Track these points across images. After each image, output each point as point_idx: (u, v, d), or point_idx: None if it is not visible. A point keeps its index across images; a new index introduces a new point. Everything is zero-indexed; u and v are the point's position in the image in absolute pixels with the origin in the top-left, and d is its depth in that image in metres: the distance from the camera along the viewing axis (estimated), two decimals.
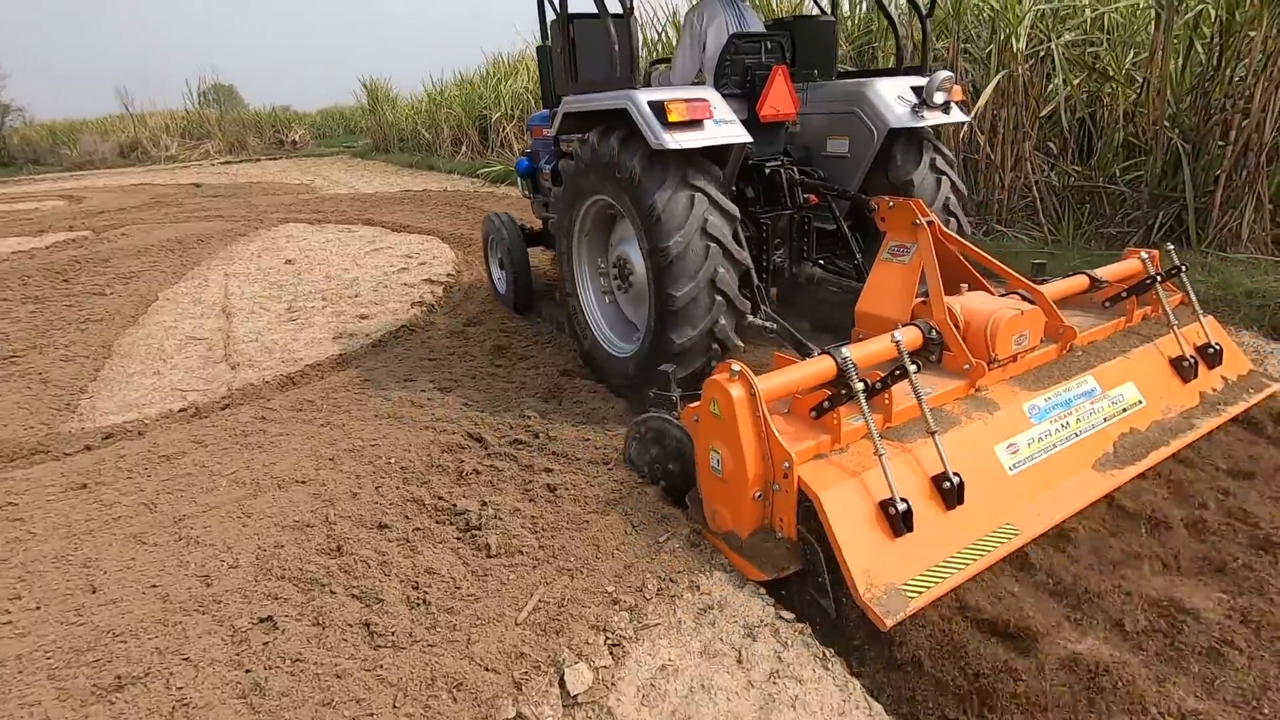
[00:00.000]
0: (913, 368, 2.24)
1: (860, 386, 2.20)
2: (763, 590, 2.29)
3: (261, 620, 2.24)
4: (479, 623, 2.15)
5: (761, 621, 2.17)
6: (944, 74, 3.65)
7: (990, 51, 6.33)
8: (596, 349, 3.91)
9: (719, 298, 3.17)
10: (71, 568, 2.59)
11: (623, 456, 2.91)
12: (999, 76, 5.89)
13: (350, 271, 7.41)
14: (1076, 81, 6.10)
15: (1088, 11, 6.20)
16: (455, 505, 2.80)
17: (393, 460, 3.23)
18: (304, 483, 3.09)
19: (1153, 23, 6.05)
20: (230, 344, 5.27)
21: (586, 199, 3.70)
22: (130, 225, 10.98)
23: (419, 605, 2.26)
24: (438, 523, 2.74)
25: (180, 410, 4.13)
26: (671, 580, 2.31)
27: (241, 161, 23.37)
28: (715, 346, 3.26)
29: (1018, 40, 5.83)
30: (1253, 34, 5.03)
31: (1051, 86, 6.20)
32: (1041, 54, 6.05)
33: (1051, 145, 6.58)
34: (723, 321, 3.20)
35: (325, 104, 32.31)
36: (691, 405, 2.42)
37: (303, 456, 3.33)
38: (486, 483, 2.98)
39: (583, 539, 2.47)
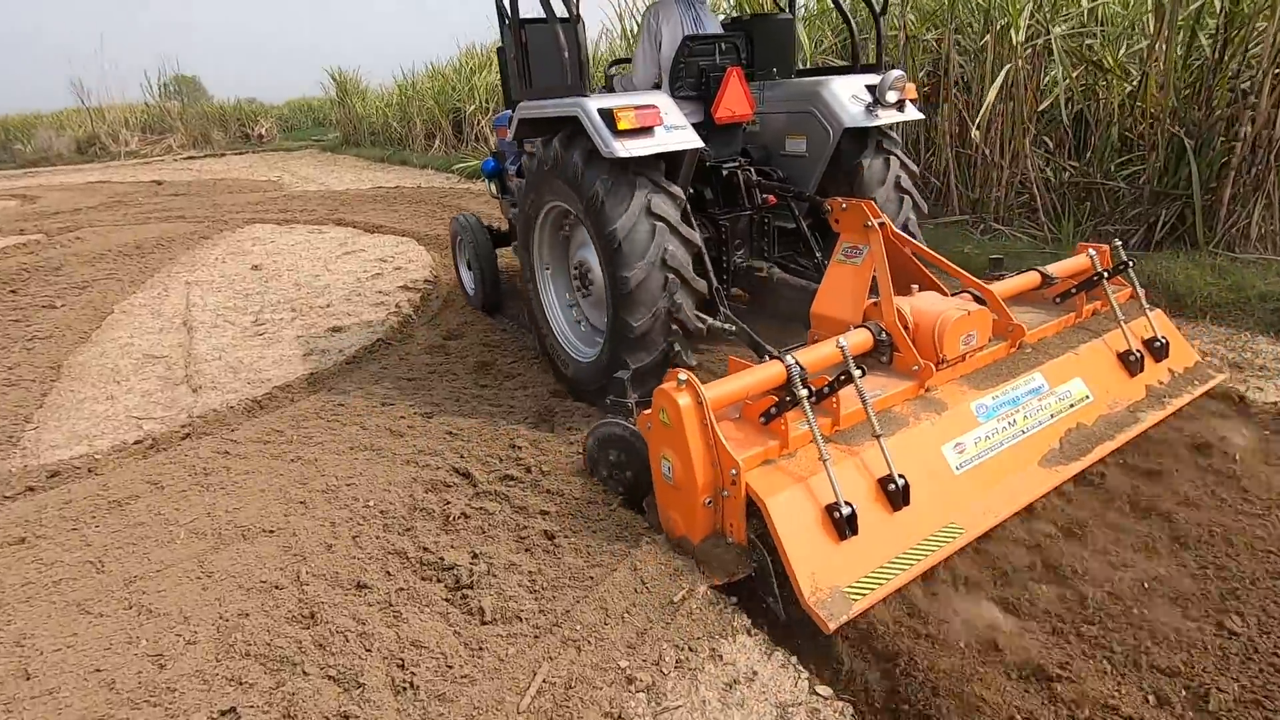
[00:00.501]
0: (858, 372, 2.28)
1: (805, 393, 2.22)
2: (794, 659, 2.05)
3: (223, 714, 1.95)
4: (476, 712, 1.88)
5: (796, 699, 1.93)
6: (896, 73, 3.64)
7: (986, 43, 6.12)
8: (580, 370, 3.72)
9: (675, 326, 3.20)
10: (2, 647, 2.27)
11: (586, 464, 2.89)
12: (1005, 70, 5.68)
13: (321, 278, 7.04)
14: (1075, 74, 5.91)
15: (1084, 2, 6.01)
16: (443, 559, 2.52)
17: (371, 503, 2.93)
18: (272, 533, 2.79)
19: (1150, 14, 5.90)
20: (191, 363, 4.91)
21: (544, 206, 3.67)
22: (86, 228, 10.44)
23: (405, 689, 1.98)
24: (424, 579, 2.45)
25: (135, 442, 3.78)
26: (691, 649, 2.06)
27: (205, 157, 22.56)
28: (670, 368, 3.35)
29: (1017, 31, 5.61)
30: (1261, 25, 4.87)
31: (1048, 79, 6.02)
32: (1038, 45, 5.85)
33: (1046, 140, 6.41)
34: (678, 347, 3.25)
35: (292, 95, 31.40)
36: (645, 412, 2.40)
37: (271, 499, 3.03)
38: (477, 529, 2.70)
39: (589, 601, 2.21)
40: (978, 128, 6.00)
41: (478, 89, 16.07)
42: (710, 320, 3.32)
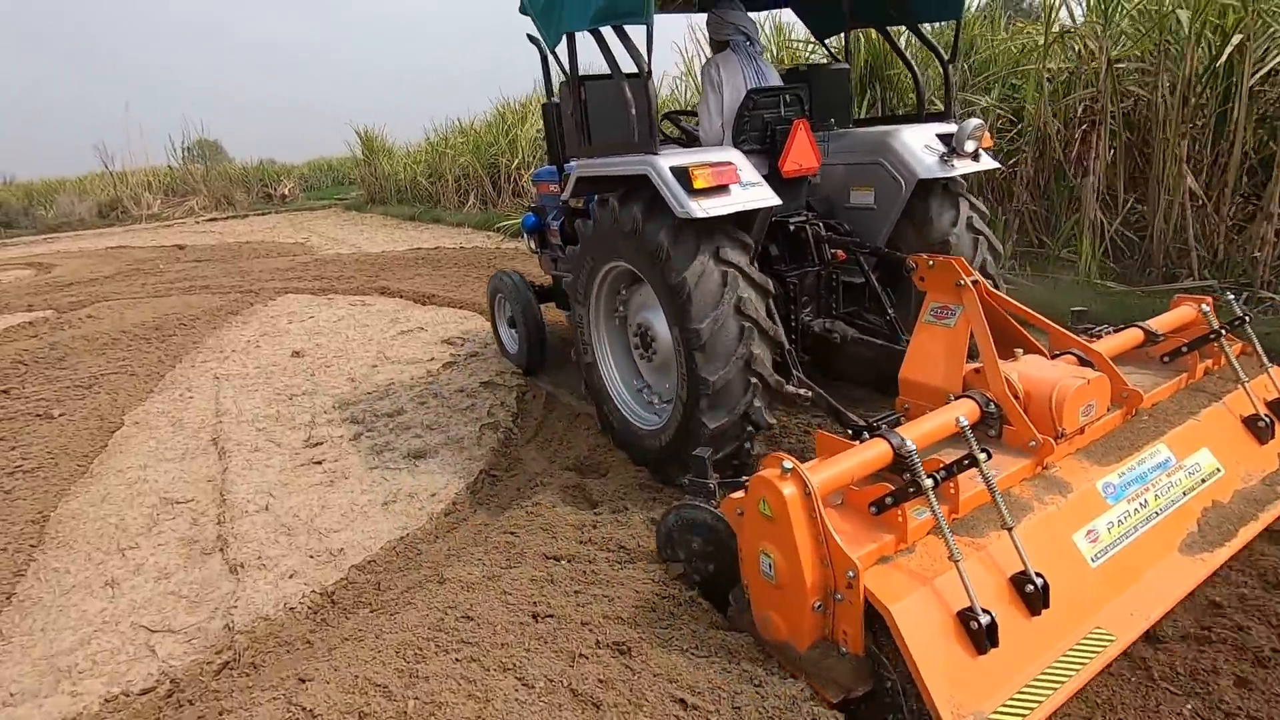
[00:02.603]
0: (983, 455, 1.99)
1: (930, 483, 1.90)
2: None
3: None
4: None
5: None
6: (975, 121, 3.50)
7: (1228, 61, 4.83)
8: (643, 439, 3.44)
9: (754, 379, 3.00)
10: None
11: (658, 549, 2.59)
12: None
13: (380, 369, 5.70)
14: None
15: None
16: None
17: None
18: None
19: None
20: (227, 517, 3.51)
21: (602, 269, 3.50)
22: (100, 303, 9.27)
23: None
24: None
25: (143, 692, 2.36)
26: None
27: (228, 218, 21.72)
28: (749, 429, 3.08)
29: None
30: None
31: None
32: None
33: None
34: (758, 404, 3.03)
35: (312, 155, 30.93)
36: (734, 496, 2.15)
37: None
38: None
39: None
40: (1185, 166, 4.66)
41: (521, 142, 15.09)
42: (786, 386, 3.09)
